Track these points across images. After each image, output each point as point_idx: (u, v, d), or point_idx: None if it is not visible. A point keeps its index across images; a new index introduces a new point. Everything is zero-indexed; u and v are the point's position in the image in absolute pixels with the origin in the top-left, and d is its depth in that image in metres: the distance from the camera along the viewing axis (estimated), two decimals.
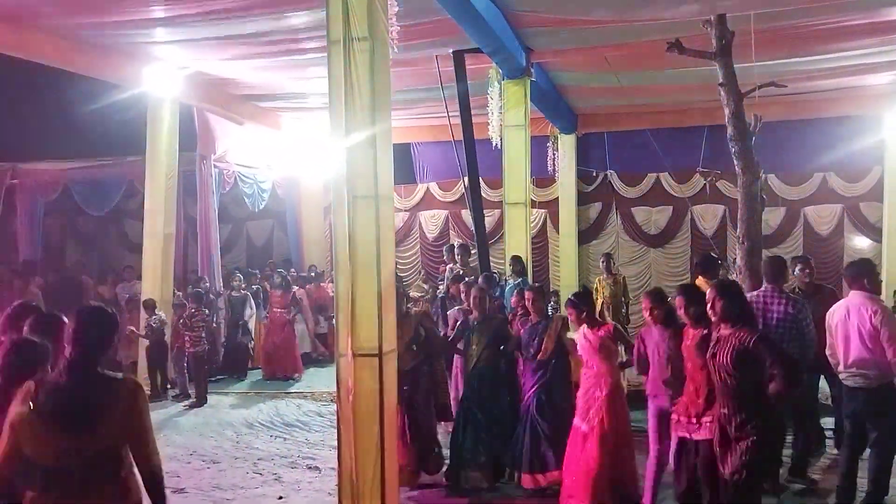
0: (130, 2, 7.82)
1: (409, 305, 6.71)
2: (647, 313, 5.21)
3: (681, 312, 4.72)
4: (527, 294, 6.22)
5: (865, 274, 5.38)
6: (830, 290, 7.11)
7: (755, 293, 5.93)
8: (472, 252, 10.50)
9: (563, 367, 5.99)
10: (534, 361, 5.97)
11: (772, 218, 12.81)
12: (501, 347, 6.27)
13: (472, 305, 6.38)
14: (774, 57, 9.16)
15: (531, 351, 5.98)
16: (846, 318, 5.25)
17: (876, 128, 12.26)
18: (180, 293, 11.02)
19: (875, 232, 12.90)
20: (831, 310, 5.47)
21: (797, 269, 6.77)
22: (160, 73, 10.03)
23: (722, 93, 7.62)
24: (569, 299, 5.82)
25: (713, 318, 4.26)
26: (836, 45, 9.13)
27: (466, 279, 7.91)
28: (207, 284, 11.11)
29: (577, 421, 5.51)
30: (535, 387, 5.92)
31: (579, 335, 5.62)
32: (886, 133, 12.19)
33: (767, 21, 7.86)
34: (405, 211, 15.03)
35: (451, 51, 8.96)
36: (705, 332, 4.43)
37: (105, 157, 13.61)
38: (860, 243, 13.09)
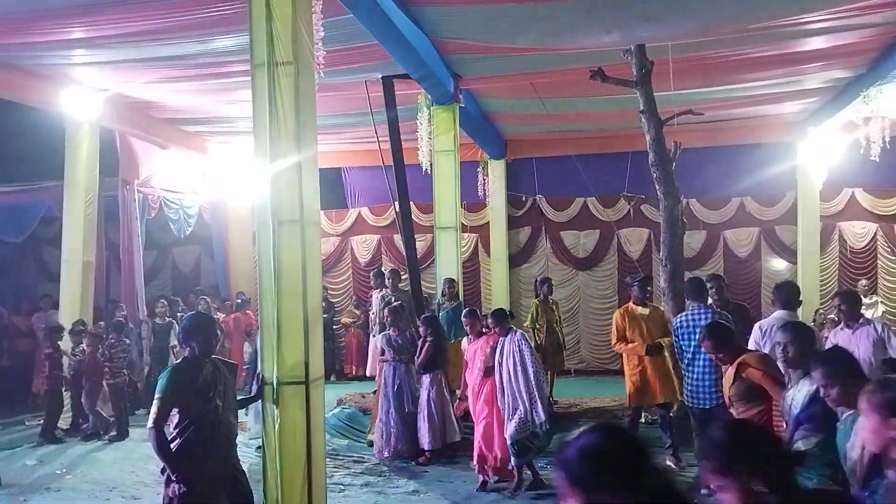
0: (47, 23, 7.57)
1: None
2: None
3: None
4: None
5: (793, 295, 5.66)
6: (738, 305, 7.55)
7: (685, 312, 6.22)
8: (403, 276, 10.49)
9: None
10: None
11: (693, 241, 13.20)
12: None
13: None
14: (691, 86, 9.52)
15: None
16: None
17: (789, 154, 12.80)
18: (100, 322, 10.61)
19: (790, 254, 13.43)
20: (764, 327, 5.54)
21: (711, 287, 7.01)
22: (79, 97, 9.69)
23: (643, 119, 7.92)
24: None
25: None
26: (747, 74, 9.56)
27: (396, 303, 7.89)
28: (125, 312, 10.72)
29: None
30: None
31: None
32: (799, 159, 12.75)
33: (684, 51, 8.20)
34: (336, 236, 14.90)
35: (379, 76, 8.99)
36: None
37: (21, 182, 13.05)
38: (777, 265, 13.61)
